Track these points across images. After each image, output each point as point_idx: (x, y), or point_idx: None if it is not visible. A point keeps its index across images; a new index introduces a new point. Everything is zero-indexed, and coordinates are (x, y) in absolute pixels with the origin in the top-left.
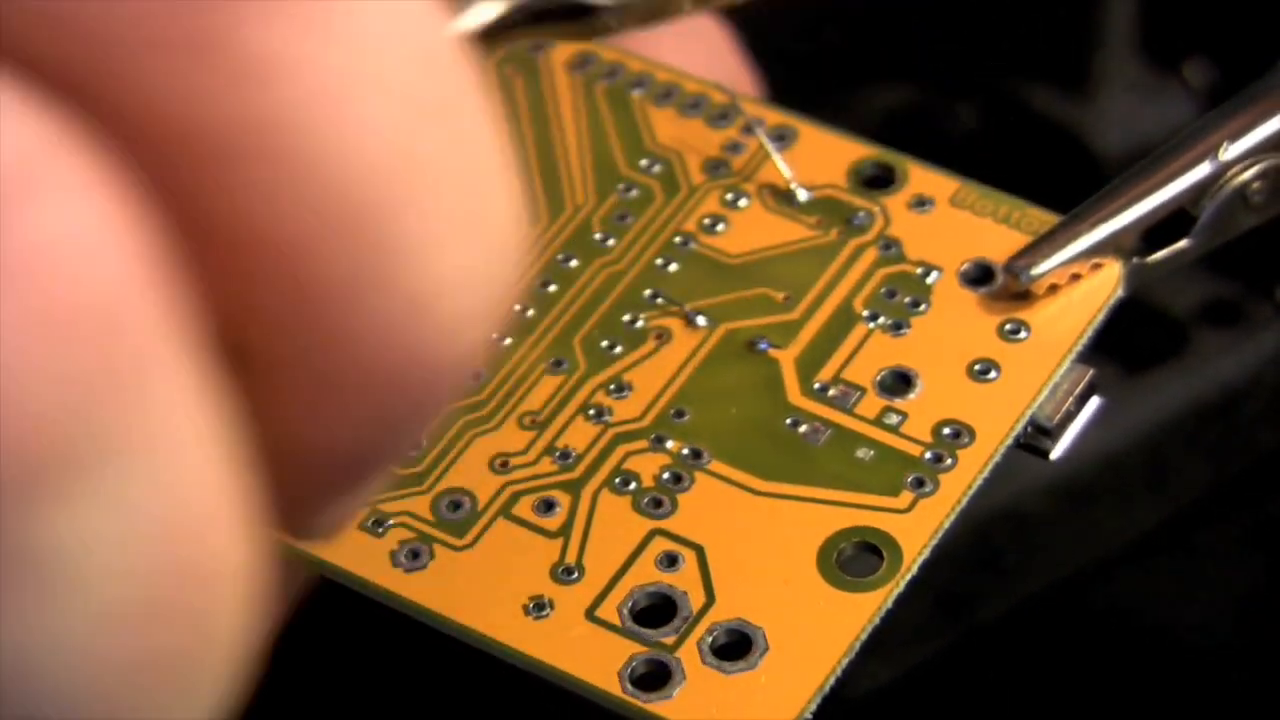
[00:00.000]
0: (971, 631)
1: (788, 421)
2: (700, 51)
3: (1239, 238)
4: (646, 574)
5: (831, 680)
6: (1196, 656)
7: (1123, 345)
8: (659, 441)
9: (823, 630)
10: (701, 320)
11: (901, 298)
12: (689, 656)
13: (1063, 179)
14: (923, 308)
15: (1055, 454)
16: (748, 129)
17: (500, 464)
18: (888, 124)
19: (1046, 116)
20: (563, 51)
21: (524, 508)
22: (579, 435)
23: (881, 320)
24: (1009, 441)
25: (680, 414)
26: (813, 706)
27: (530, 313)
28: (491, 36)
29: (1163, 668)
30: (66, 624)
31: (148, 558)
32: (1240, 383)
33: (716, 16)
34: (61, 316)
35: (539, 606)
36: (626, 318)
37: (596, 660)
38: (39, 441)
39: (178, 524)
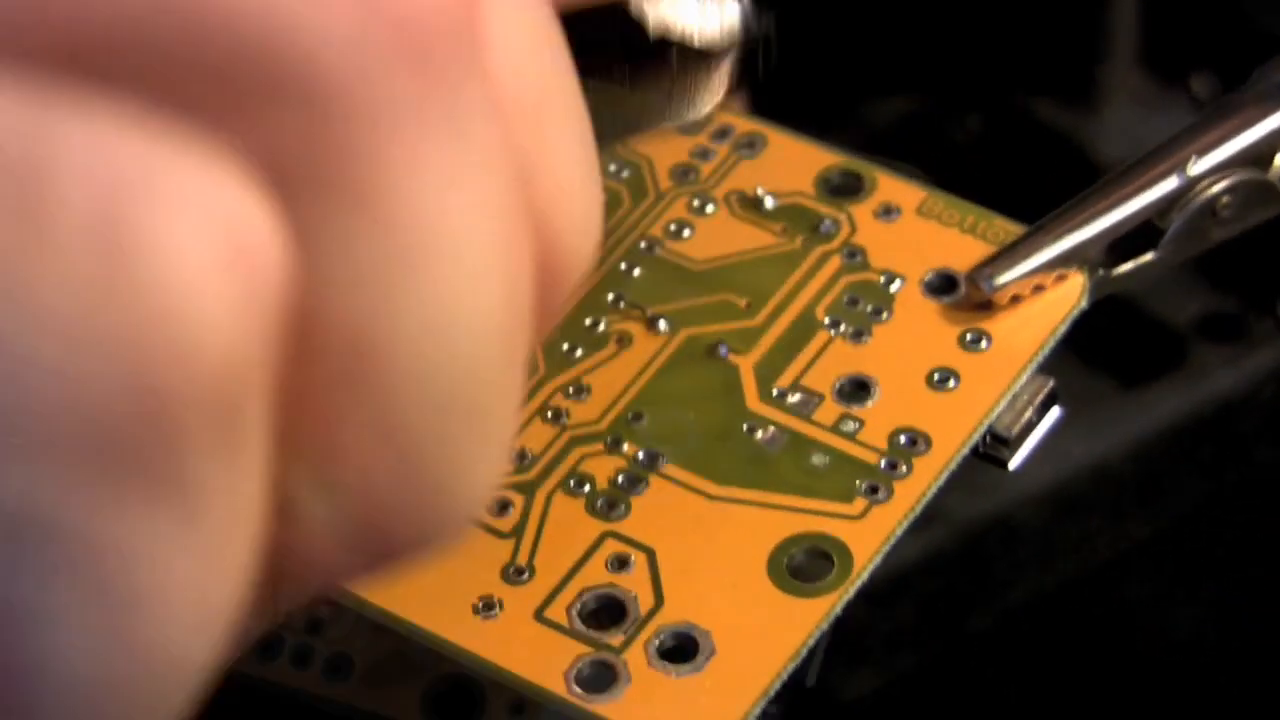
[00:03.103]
0: (961, 641)
1: (745, 427)
2: None
3: (1247, 248)
4: (597, 576)
5: (776, 685)
6: (1186, 670)
7: (1120, 357)
8: (615, 444)
9: (770, 635)
10: (663, 324)
11: (864, 306)
12: (635, 658)
13: (1067, 190)
14: (884, 316)
15: (1013, 464)
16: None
17: None
18: (893, 134)
19: (1051, 128)
20: None
21: None
22: (536, 437)
23: (843, 328)
24: (965, 451)
25: (638, 417)
26: (756, 711)
27: None
28: None
29: (1152, 681)
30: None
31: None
32: (1238, 398)
33: None
34: None
35: (488, 606)
36: (588, 321)
37: (543, 661)
38: None
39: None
